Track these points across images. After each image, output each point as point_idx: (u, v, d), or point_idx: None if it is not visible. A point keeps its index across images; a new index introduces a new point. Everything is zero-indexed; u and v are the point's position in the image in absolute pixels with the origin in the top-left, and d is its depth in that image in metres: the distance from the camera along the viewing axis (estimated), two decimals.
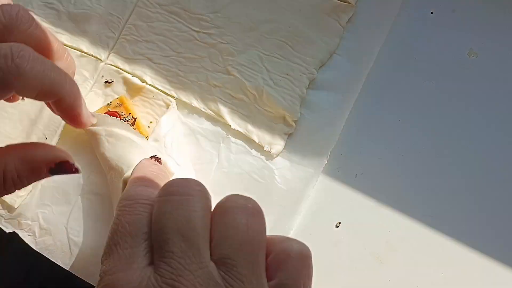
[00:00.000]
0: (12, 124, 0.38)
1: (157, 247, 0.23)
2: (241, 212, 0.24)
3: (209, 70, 0.39)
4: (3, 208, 0.36)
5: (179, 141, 0.37)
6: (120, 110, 0.37)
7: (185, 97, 0.38)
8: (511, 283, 0.33)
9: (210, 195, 0.25)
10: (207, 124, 0.38)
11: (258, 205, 0.25)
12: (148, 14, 0.40)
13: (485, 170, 0.35)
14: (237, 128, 0.37)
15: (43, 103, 0.36)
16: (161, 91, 0.38)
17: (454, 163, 0.36)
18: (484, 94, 0.37)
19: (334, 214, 0.36)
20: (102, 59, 0.40)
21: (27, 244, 0.36)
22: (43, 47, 0.28)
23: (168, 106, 0.38)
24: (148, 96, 0.38)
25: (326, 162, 0.36)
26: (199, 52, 0.39)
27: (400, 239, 0.35)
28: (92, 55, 0.40)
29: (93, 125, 0.35)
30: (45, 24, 0.40)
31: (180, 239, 0.22)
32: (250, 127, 0.37)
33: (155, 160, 0.32)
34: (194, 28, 0.40)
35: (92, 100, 0.39)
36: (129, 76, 0.39)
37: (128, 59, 0.39)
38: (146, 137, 0.36)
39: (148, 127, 0.38)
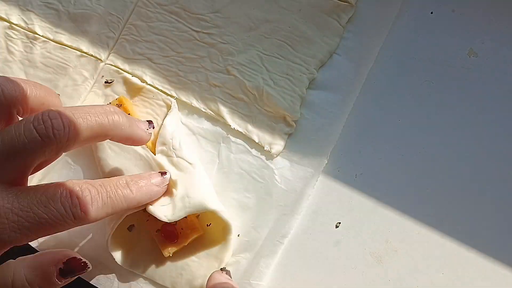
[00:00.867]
0: None
1: None
2: None
3: (209, 70, 0.39)
4: None
5: (185, 140, 0.37)
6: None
7: (185, 97, 0.38)
8: (511, 283, 0.33)
9: None
10: (207, 124, 0.38)
11: None
12: (148, 14, 0.40)
13: (485, 170, 0.35)
14: (237, 128, 0.37)
15: None
16: (161, 91, 0.38)
17: (454, 163, 0.36)
18: (484, 94, 0.37)
19: (334, 214, 0.36)
20: (102, 59, 0.40)
21: (27, 244, 0.36)
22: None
23: (168, 106, 0.38)
24: (148, 96, 0.38)
25: (326, 162, 0.36)
26: (199, 52, 0.39)
27: (400, 239, 0.35)
28: (92, 55, 0.40)
29: None
30: (45, 24, 0.40)
31: None
32: (250, 127, 0.37)
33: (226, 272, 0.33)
34: (194, 28, 0.40)
35: (92, 100, 0.39)
36: (129, 76, 0.39)
37: (128, 59, 0.39)
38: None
39: None
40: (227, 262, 0.35)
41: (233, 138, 0.37)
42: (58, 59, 0.40)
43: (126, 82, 0.39)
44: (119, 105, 0.37)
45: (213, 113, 0.38)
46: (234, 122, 0.37)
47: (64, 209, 0.26)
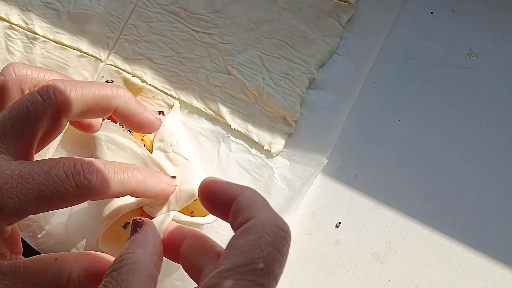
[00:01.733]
0: None
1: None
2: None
3: (209, 70, 0.39)
4: None
5: (184, 138, 0.37)
6: None
7: (185, 97, 0.38)
8: (511, 283, 0.33)
9: None
10: (207, 124, 0.38)
11: None
12: (148, 14, 0.40)
13: (485, 170, 0.35)
14: (237, 128, 0.37)
15: None
16: (161, 91, 0.38)
17: (454, 163, 0.36)
18: (484, 94, 0.37)
19: (334, 214, 0.36)
20: (102, 59, 0.40)
21: (27, 244, 0.36)
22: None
23: (168, 106, 0.38)
24: (148, 96, 0.38)
25: (326, 162, 0.36)
26: (199, 52, 0.39)
27: (400, 239, 0.35)
28: (92, 55, 0.40)
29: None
30: (45, 24, 0.40)
31: None
32: (250, 127, 0.37)
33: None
34: (194, 28, 0.40)
35: None
36: (129, 76, 0.39)
37: (128, 59, 0.39)
38: (144, 136, 0.37)
39: None
40: None
41: (233, 138, 0.37)
42: (58, 59, 0.40)
43: (126, 82, 0.39)
44: None
45: (213, 113, 0.38)
46: (234, 122, 0.37)
47: (66, 175, 0.25)
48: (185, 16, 0.40)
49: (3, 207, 0.24)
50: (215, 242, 0.27)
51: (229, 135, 0.37)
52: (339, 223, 0.36)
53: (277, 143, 0.36)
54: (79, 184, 0.26)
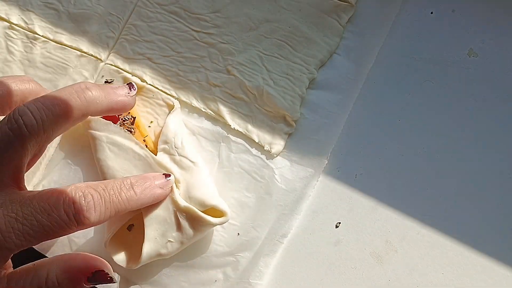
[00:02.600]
0: None
1: None
2: None
3: (209, 70, 0.39)
4: None
5: (187, 140, 0.37)
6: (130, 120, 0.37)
7: (185, 97, 0.38)
8: (511, 283, 0.33)
9: None
10: (207, 124, 0.38)
11: None
12: (148, 14, 0.40)
13: (485, 170, 0.35)
14: (237, 128, 0.37)
15: None
16: (161, 91, 0.38)
17: (454, 163, 0.36)
18: (484, 94, 0.37)
19: (334, 214, 0.36)
20: (102, 59, 0.40)
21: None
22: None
23: (169, 106, 0.38)
24: (148, 95, 0.38)
25: (326, 162, 0.36)
26: (199, 52, 0.39)
27: (400, 239, 0.35)
28: (92, 55, 0.40)
29: (95, 129, 0.35)
30: (45, 24, 0.40)
31: None
32: (250, 127, 0.37)
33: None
34: (194, 28, 0.40)
35: None
36: (129, 76, 0.39)
37: (128, 59, 0.40)
38: (146, 136, 0.36)
39: (149, 126, 0.37)
40: None
41: (233, 138, 0.37)
42: (58, 59, 0.40)
43: (126, 81, 0.39)
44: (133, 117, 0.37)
45: (213, 113, 0.38)
46: (234, 122, 0.37)
47: (67, 216, 0.27)
48: (185, 16, 0.40)
49: (12, 247, 0.27)
50: None
51: (229, 135, 0.37)
52: (339, 223, 0.36)
53: (277, 143, 0.36)
54: (79, 222, 0.28)
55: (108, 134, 0.35)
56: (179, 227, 0.33)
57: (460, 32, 0.38)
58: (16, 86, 0.32)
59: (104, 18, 0.40)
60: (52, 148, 0.37)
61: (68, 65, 0.40)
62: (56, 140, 0.37)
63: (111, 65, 0.39)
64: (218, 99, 0.38)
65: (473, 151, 0.36)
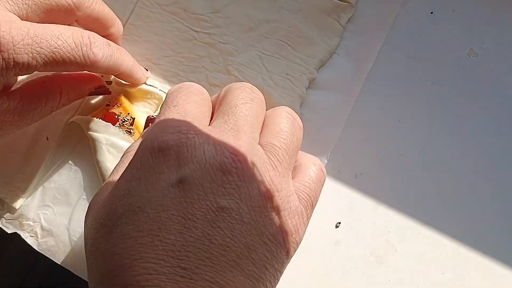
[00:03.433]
0: None
1: (222, 112, 0.27)
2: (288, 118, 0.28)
3: (209, 70, 0.39)
4: (4, 209, 0.36)
5: None
6: (118, 110, 0.37)
7: None
8: (511, 283, 0.33)
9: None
10: None
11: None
12: (148, 14, 0.40)
13: (485, 170, 0.35)
14: None
15: None
16: (162, 91, 0.38)
17: (454, 163, 0.36)
18: (484, 94, 0.37)
19: (334, 214, 0.36)
20: None
21: (27, 244, 0.36)
22: (102, 20, 0.34)
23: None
24: (147, 96, 0.38)
25: (326, 162, 0.36)
26: (199, 52, 0.39)
27: (400, 239, 0.35)
28: None
29: (94, 130, 0.35)
30: None
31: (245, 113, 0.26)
32: None
33: None
34: (194, 28, 0.40)
35: (91, 100, 0.38)
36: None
37: None
38: None
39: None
40: None
41: None
42: None
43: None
44: (119, 104, 0.37)
45: None
46: None
47: (75, 44, 0.29)
48: (185, 16, 0.40)
49: (18, 61, 0.27)
50: None
51: None
52: (339, 223, 0.36)
53: None
54: (85, 55, 0.29)
55: (107, 136, 0.35)
56: None
57: (460, 32, 0.38)
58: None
59: None
60: (51, 148, 0.37)
61: None
62: (56, 140, 0.37)
63: None
64: None
65: (473, 151, 0.36)
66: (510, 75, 0.37)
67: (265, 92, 0.37)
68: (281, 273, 0.25)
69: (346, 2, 0.39)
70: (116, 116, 0.36)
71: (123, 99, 0.37)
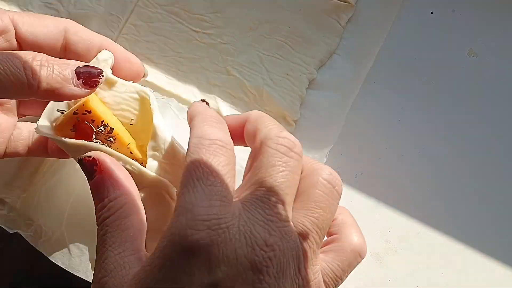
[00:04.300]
0: None
1: (253, 184, 0.25)
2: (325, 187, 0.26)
3: (209, 70, 0.39)
4: (5, 209, 0.36)
5: (180, 141, 0.35)
6: (89, 118, 0.30)
7: (185, 97, 0.38)
8: (511, 283, 0.33)
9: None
10: None
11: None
12: (148, 14, 0.40)
13: (485, 170, 0.35)
14: None
15: None
16: (161, 91, 0.38)
17: (454, 163, 0.36)
18: (484, 94, 0.37)
19: None
20: None
21: (27, 244, 0.36)
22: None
23: (142, 99, 0.32)
24: (120, 90, 0.32)
25: (326, 162, 0.36)
26: (199, 52, 0.39)
27: (400, 239, 0.35)
28: None
29: (71, 155, 0.30)
30: None
31: (279, 196, 0.24)
32: None
33: (206, 103, 0.30)
34: (194, 28, 0.40)
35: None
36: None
37: None
38: (129, 144, 0.31)
39: (130, 124, 0.32)
40: None
41: None
42: None
43: None
44: (88, 111, 0.30)
45: None
46: None
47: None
48: (185, 16, 0.40)
49: None
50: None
51: None
52: None
53: None
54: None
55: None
56: None
57: (460, 32, 0.38)
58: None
59: (104, 18, 0.40)
60: (46, 173, 0.37)
61: None
62: (49, 164, 0.37)
63: None
64: (218, 99, 0.38)
65: (473, 150, 0.36)
66: (510, 75, 0.37)
67: (265, 92, 0.37)
68: None
69: (346, 2, 0.39)
70: (89, 127, 0.30)
71: (91, 103, 0.30)
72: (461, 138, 0.36)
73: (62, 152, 0.31)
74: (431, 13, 0.39)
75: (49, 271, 0.46)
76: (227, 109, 0.38)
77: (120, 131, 0.31)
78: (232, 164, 0.26)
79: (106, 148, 0.29)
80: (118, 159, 0.29)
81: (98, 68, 0.29)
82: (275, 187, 0.24)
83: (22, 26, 0.29)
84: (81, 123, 0.30)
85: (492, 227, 0.34)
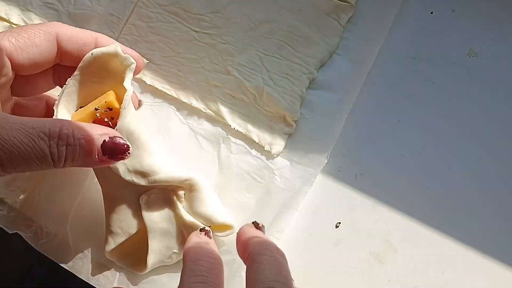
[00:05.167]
0: None
1: None
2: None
3: (209, 71, 0.39)
4: (5, 209, 0.36)
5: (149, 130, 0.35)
6: (109, 115, 0.30)
7: (185, 98, 0.38)
8: (511, 283, 0.33)
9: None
10: (207, 125, 0.38)
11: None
12: (148, 14, 0.40)
13: (484, 169, 0.35)
14: (237, 128, 0.37)
15: None
16: (161, 91, 0.38)
17: (454, 163, 0.36)
18: (484, 94, 0.37)
19: (334, 214, 0.36)
20: None
21: (27, 244, 0.36)
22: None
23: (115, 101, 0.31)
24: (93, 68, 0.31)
25: (326, 162, 0.36)
26: (199, 53, 0.39)
27: (400, 239, 0.35)
28: None
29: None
30: None
31: None
32: (250, 127, 0.37)
33: (205, 234, 0.32)
34: (194, 28, 0.40)
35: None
36: None
37: None
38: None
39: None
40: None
41: (233, 139, 0.37)
42: None
43: None
44: (110, 108, 0.30)
45: (213, 114, 0.38)
46: (234, 122, 0.37)
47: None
48: (185, 16, 0.40)
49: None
50: None
51: (229, 136, 0.37)
52: (339, 223, 0.36)
53: (277, 143, 0.36)
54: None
55: None
56: (183, 240, 0.33)
57: (460, 32, 0.38)
58: None
59: (104, 18, 0.40)
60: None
61: None
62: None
63: None
64: (218, 99, 0.38)
65: (473, 151, 0.36)
66: (510, 75, 0.37)
67: (265, 92, 0.37)
68: None
69: (346, 2, 0.39)
70: (108, 125, 0.30)
71: (113, 102, 0.30)
72: (461, 138, 0.36)
73: None
74: (431, 13, 0.39)
75: (49, 271, 0.46)
76: (227, 110, 0.38)
77: (116, 113, 0.30)
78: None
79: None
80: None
81: (125, 144, 0.28)
82: None
83: (17, 56, 0.29)
84: (100, 120, 0.30)
85: (492, 227, 0.34)
